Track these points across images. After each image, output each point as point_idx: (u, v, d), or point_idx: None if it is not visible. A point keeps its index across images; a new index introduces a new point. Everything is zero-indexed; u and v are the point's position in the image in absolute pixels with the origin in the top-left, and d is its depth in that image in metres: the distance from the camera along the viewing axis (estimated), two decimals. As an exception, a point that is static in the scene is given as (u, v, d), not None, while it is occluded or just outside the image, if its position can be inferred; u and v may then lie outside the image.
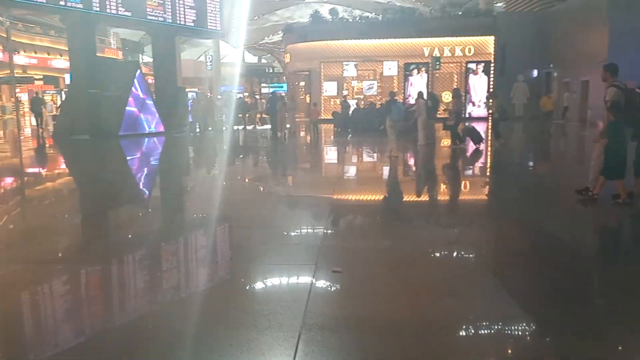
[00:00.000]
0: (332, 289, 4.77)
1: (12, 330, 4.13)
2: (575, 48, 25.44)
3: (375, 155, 16.29)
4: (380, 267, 5.32)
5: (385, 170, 12.90)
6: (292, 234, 6.97)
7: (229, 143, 20.95)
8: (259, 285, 4.98)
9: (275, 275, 5.11)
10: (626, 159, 7.41)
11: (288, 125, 21.96)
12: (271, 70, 64.27)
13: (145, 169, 14.09)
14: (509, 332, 4.04)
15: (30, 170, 14.34)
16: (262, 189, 10.81)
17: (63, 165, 15.72)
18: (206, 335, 3.84)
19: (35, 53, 43.84)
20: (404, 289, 4.76)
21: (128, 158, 16.67)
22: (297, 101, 26.55)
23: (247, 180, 12.11)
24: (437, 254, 5.95)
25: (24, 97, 44.35)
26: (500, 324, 4.13)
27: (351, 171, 13.46)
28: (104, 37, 52.17)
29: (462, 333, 3.95)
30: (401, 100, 16.29)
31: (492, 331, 4.07)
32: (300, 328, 3.84)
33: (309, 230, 7.19)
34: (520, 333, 4.00)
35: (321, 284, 4.87)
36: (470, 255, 5.89)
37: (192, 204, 9.30)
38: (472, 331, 3.99)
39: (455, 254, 6.01)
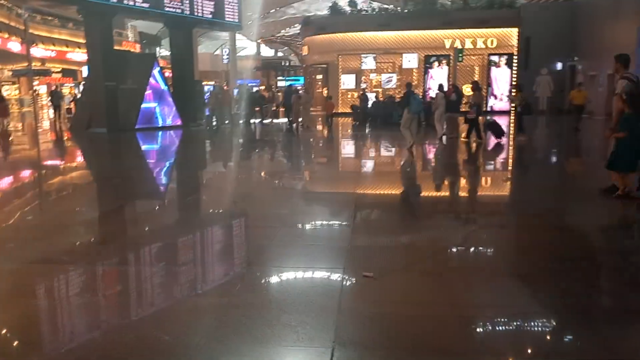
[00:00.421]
0: (365, 297, 4.35)
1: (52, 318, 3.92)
2: (602, 40, 24.67)
3: (393, 149, 15.86)
4: (416, 270, 4.92)
5: (405, 165, 12.45)
6: (317, 233, 6.57)
7: (245, 137, 20.62)
8: (284, 291, 4.55)
9: (301, 280, 4.73)
10: (638, 153, 7.19)
11: (300, 119, 21.64)
12: (287, 64, 64.00)
13: (164, 164, 13.80)
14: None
15: (47, 164, 14.11)
16: (281, 184, 10.41)
17: (81, 159, 15.51)
18: (228, 352, 3.45)
19: (54, 45, 43.90)
20: (445, 297, 4.35)
21: (146, 152, 16.42)
22: (311, 94, 26.03)
23: (265, 175, 11.75)
24: (479, 257, 5.54)
25: (43, 90, 44.56)
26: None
27: (369, 166, 13.06)
28: (122, 30, 52.15)
29: None
30: (418, 93, 15.88)
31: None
32: (332, 343, 3.45)
33: (335, 229, 6.79)
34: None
35: (352, 290, 4.47)
36: (518, 262, 5.46)
37: (209, 202, 8.94)
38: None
39: (498, 258, 5.59)
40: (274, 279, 4.79)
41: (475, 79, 21.57)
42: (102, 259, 5.42)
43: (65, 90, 40.85)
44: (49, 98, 33.42)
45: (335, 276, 4.69)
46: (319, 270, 4.90)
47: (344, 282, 4.55)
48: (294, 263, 5.17)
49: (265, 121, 25.34)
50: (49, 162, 14.20)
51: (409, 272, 4.90)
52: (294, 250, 5.62)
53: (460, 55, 23.89)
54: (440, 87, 17.46)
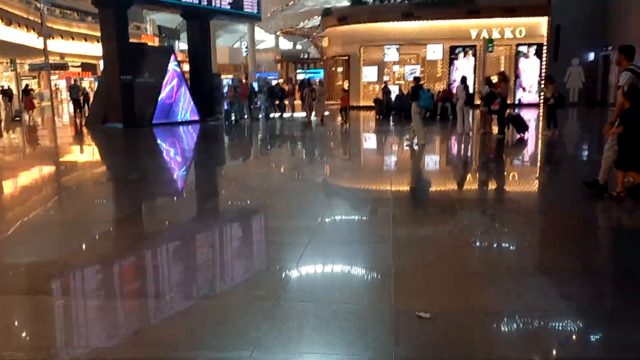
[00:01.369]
0: (425, 351, 3.35)
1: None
2: (637, 28, 23.22)
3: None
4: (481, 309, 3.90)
5: (416, 162, 11.50)
6: (352, 255, 5.24)
7: (264, 132, 19.71)
8: (316, 347, 3.54)
9: (337, 333, 3.59)
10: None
11: (313, 113, 21.14)
12: (306, 56, 62.93)
13: (180, 162, 12.91)
14: None
15: (54, 161, 13.29)
16: (302, 183, 9.42)
17: (93, 156, 14.71)
18: None
19: (73, 39, 43.48)
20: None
21: (161, 148, 15.57)
22: (325, 87, 24.78)
23: (284, 172, 10.79)
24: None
25: (62, 84, 44.17)
26: None
27: (387, 163, 11.99)
28: (140, 24, 51.59)
29: None
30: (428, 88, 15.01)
31: None
32: None
33: (373, 247, 5.54)
34: None
35: (406, 341, 3.45)
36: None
37: (230, 203, 8.03)
38: None
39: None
40: (296, 334, 3.80)
41: (502, 70, 20.33)
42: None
43: (85, 84, 40.37)
44: (68, 92, 32.95)
45: (382, 318, 3.69)
46: (360, 308, 3.88)
47: (396, 331, 3.52)
48: (327, 304, 4.16)
49: (285, 115, 24.35)
50: (56, 160, 13.39)
51: (475, 308, 3.89)
52: (324, 282, 4.64)
53: (490, 45, 22.64)
54: (464, 79, 16.37)
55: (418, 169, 11.04)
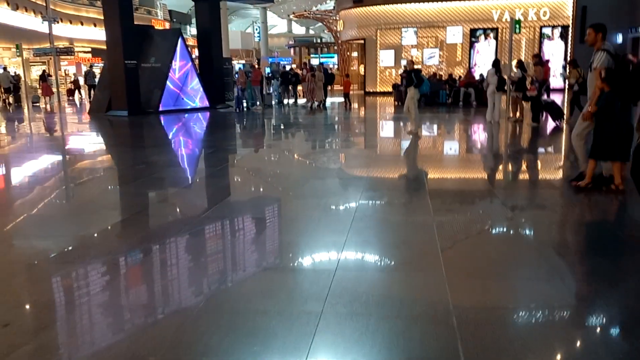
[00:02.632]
0: None
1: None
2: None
3: (442, 135, 13.50)
4: None
5: (457, 154, 10.10)
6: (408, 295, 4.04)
7: (278, 119, 18.40)
8: None
9: None
10: (620, 137, 6.07)
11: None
12: (319, 41, 61.33)
13: (187, 152, 11.61)
14: None
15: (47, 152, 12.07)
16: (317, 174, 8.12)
17: (91, 145, 13.45)
18: None
19: (82, 25, 42.24)
20: None
21: (166, 138, 14.31)
22: (322, 72, 23.28)
23: (301, 163, 9.48)
24: None
25: (72, 70, 43.00)
26: None
27: (399, 152, 10.61)
28: (151, 8, 50.32)
29: None
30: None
31: None
32: None
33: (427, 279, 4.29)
34: None
35: None
36: None
37: (246, 201, 6.76)
38: None
39: None
40: None
41: (538, 52, 18.73)
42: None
43: (96, 70, 39.25)
44: (84, 78, 31.87)
45: None
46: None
47: None
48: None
49: (299, 101, 22.94)
50: (46, 153, 12.16)
51: None
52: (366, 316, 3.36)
53: (517, 26, 21.02)
54: (496, 62, 14.84)
55: (449, 162, 9.69)
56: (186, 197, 7.09)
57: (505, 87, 14.19)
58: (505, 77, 14.37)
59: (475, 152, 10.95)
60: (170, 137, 14.50)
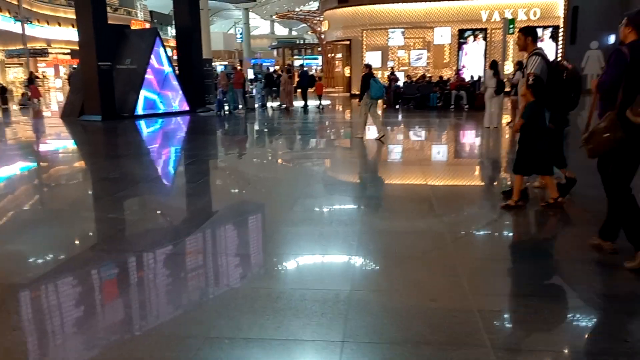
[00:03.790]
0: None
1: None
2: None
3: (429, 139, 12.42)
4: None
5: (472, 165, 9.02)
6: None
7: (262, 124, 17.20)
8: None
9: None
10: (546, 151, 5.64)
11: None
12: (302, 42, 60.15)
13: (162, 162, 10.35)
14: None
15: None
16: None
17: (52, 153, 12.08)
18: None
19: (59, 25, 40.49)
20: None
21: (139, 145, 13.00)
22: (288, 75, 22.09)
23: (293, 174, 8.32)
24: None
25: (50, 72, 41.32)
26: None
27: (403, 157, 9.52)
28: (131, 9, 48.65)
29: None
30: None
31: None
32: None
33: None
34: None
35: None
36: None
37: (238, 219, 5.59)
38: None
39: None
40: None
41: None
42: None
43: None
44: (68, 80, 30.35)
45: None
46: None
47: None
48: None
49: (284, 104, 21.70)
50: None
51: None
52: None
53: (511, 27, 20.08)
54: (494, 64, 13.78)
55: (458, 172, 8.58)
56: (154, 225, 5.87)
57: (506, 90, 13.17)
58: (505, 79, 13.35)
59: (472, 160, 9.86)
60: (144, 145, 13.17)
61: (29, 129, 17.22)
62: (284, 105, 20.81)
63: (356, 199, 6.77)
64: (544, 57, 5.63)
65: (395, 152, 11.11)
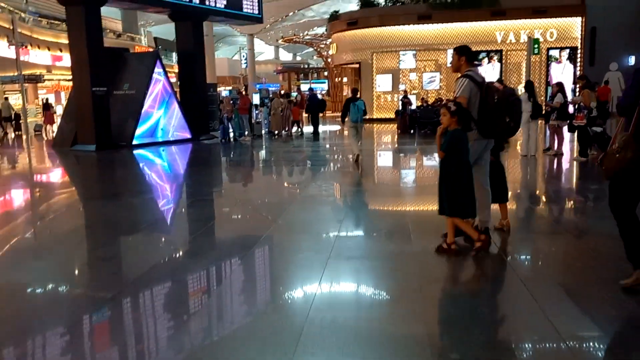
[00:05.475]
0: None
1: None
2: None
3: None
4: None
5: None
6: None
7: (270, 152, 15.59)
8: None
9: None
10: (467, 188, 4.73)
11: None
12: (306, 66, 59.07)
13: (157, 206, 8.65)
14: None
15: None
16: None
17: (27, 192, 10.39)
18: None
19: (61, 51, 39.19)
20: None
21: (138, 183, 11.32)
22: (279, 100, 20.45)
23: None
24: None
25: (51, 99, 39.91)
26: None
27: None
28: (135, 35, 47.43)
29: None
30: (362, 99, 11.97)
31: None
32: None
33: None
34: None
35: None
36: None
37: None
38: None
39: None
40: None
41: (584, 74, 15.93)
42: None
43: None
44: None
45: None
46: None
47: None
48: None
49: (293, 130, 20.08)
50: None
51: None
52: None
53: (536, 46, 18.54)
54: (529, 85, 12.11)
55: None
56: (139, 306, 4.15)
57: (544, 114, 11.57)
58: (542, 102, 11.74)
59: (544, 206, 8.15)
60: (138, 180, 11.49)
61: (9, 159, 15.58)
62: (287, 131, 19.43)
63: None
64: (473, 78, 4.89)
65: (417, 189, 9.43)
